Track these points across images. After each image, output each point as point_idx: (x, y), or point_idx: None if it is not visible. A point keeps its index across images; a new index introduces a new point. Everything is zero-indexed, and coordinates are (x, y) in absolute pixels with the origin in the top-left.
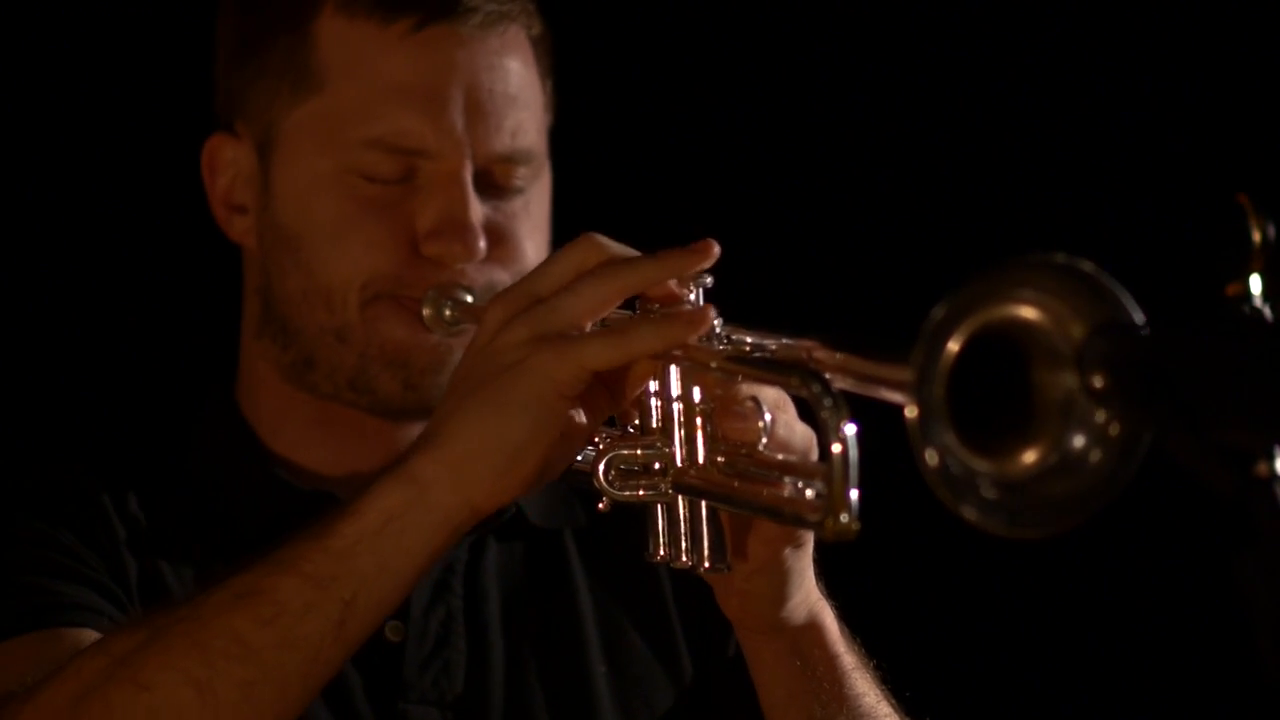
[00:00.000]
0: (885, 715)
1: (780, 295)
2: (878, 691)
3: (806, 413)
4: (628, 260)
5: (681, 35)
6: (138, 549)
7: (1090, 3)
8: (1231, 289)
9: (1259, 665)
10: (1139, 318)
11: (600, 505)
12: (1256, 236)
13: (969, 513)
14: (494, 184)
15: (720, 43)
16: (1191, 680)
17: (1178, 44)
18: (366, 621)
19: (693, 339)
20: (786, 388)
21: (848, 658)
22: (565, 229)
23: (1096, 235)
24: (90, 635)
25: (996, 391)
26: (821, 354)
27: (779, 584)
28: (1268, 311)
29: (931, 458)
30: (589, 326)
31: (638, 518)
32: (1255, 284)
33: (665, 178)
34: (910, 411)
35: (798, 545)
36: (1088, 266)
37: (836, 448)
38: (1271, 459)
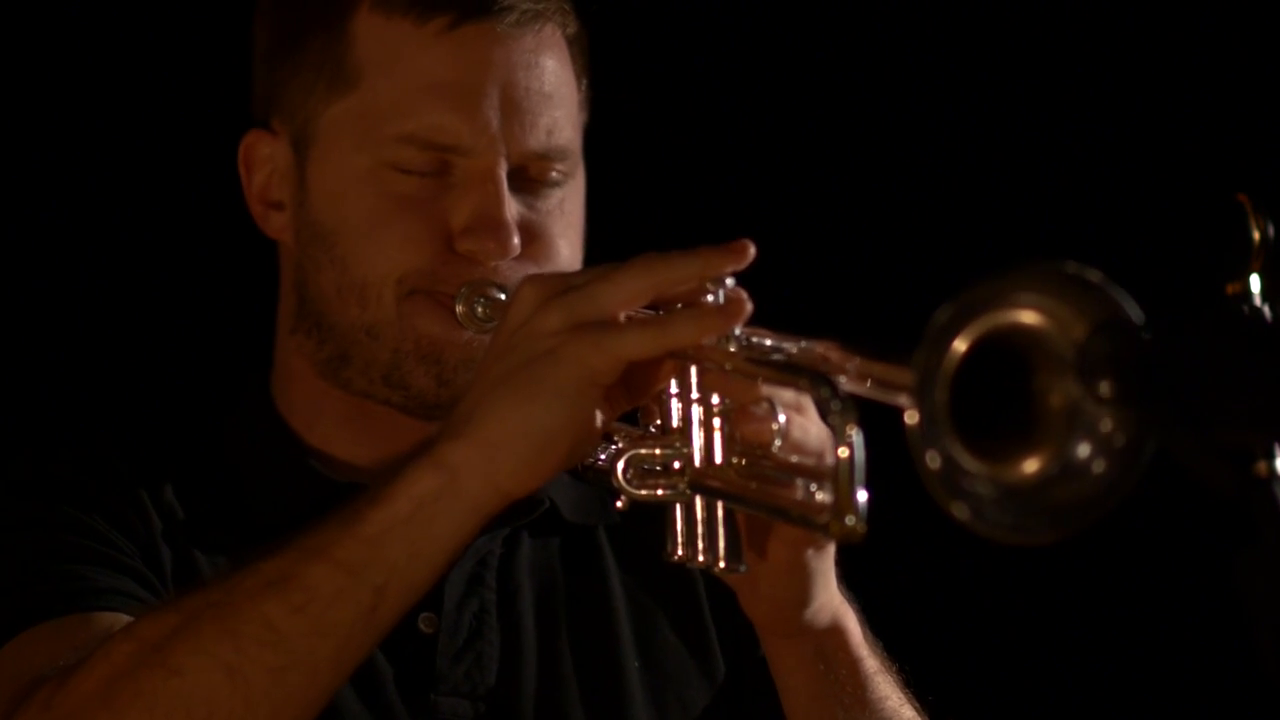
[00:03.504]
0: (908, 719)
1: (803, 298)
2: (900, 695)
3: None
4: (664, 255)
5: (715, 37)
6: (173, 538)
7: (1091, 3)
8: (1231, 289)
9: (1259, 665)
10: (1143, 328)
11: (618, 503)
12: (1256, 236)
13: (964, 515)
14: (529, 181)
15: (750, 45)
16: (1192, 680)
17: (1178, 44)
18: (397, 607)
19: (732, 329)
20: (796, 389)
21: (870, 661)
22: (599, 228)
23: (1097, 235)
24: (124, 620)
25: (1000, 398)
26: (835, 356)
27: (802, 586)
28: (1268, 311)
29: (932, 461)
30: (622, 317)
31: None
32: (1255, 284)
33: (696, 177)
34: (910, 416)
35: (820, 547)
36: (1094, 276)
37: (843, 450)
38: (1271, 459)
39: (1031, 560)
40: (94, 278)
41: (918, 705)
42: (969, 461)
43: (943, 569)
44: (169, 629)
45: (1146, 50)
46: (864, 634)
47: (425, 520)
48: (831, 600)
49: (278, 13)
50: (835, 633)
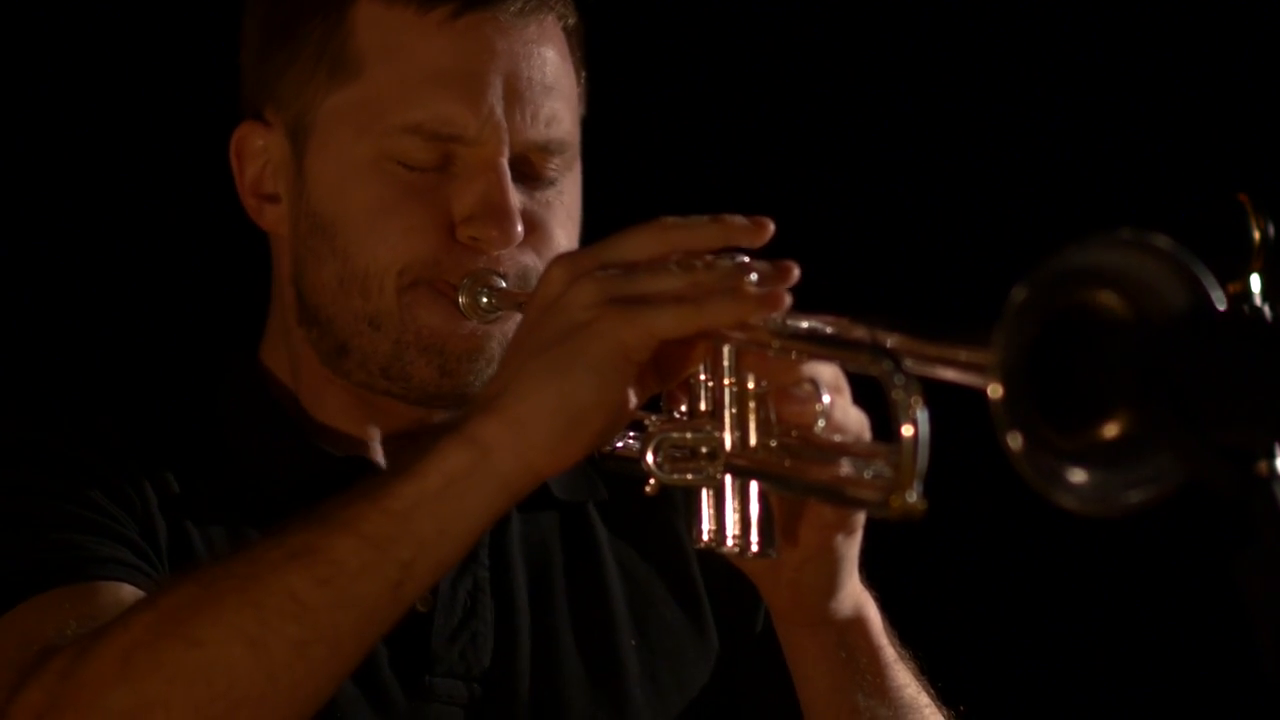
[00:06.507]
0: (925, 707)
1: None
2: (917, 684)
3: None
4: (688, 219)
5: (714, 27)
6: (168, 512)
7: (1092, 3)
8: (1231, 288)
9: (1259, 665)
10: (1217, 294)
11: (647, 488)
12: (1256, 235)
13: (1057, 494)
14: (529, 173)
15: (747, 36)
16: (1192, 680)
17: (1178, 44)
18: (423, 583)
19: (765, 319)
20: (854, 366)
21: (889, 650)
22: (595, 221)
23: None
24: (126, 590)
25: (1072, 368)
26: (881, 335)
27: (829, 573)
28: (1268, 311)
29: (1015, 440)
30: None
31: (661, 492)
32: (1255, 283)
33: (694, 170)
34: (995, 392)
35: (849, 532)
36: (1163, 243)
37: (908, 428)
38: (1271, 459)
39: (1031, 558)
40: (77, 256)
41: (932, 693)
42: (1051, 435)
43: (942, 565)
44: (189, 599)
45: (1147, 50)
46: (883, 622)
47: (455, 497)
48: (854, 588)
49: (272, 2)
50: (857, 621)
